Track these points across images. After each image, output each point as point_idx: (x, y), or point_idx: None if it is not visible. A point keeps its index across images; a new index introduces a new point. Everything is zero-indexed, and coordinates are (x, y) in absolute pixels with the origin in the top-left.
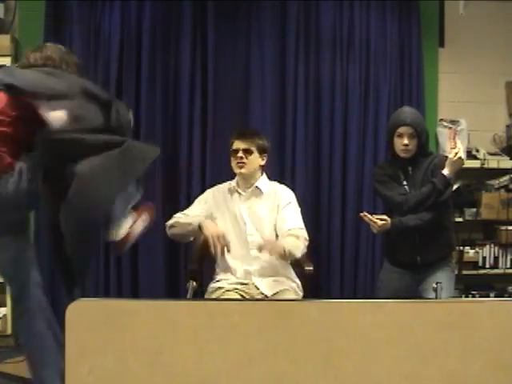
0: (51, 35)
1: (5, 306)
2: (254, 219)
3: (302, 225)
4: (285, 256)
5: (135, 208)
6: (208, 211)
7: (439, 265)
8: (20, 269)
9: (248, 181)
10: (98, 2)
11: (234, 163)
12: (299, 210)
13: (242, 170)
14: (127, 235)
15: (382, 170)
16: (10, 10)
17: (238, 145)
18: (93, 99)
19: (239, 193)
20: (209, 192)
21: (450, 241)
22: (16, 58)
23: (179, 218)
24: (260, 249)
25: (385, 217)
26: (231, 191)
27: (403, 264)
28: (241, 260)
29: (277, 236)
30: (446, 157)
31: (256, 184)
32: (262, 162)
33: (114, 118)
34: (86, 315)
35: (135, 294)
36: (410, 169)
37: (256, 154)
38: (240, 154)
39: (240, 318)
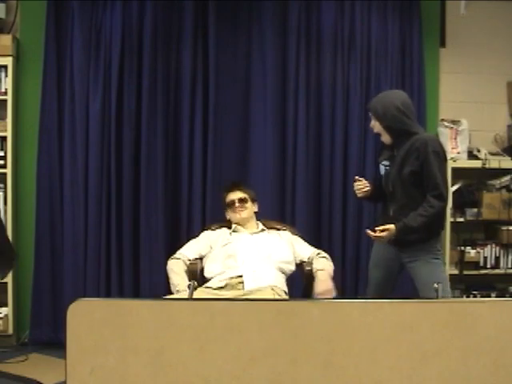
0: (52, 35)
1: (6, 306)
2: (255, 253)
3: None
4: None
5: None
6: (206, 249)
7: (420, 246)
8: None
9: (249, 224)
10: (100, 2)
11: (231, 214)
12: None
13: (243, 215)
14: None
15: (381, 144)
16: (12, 10)
17: (232, 196)
18: None
19: (243, 232)
20: (207, 232)
21: (431, 224)
22: (17, 58)
23: (176, 260)
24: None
25: (387, 226)
26: (235, 232)
27: None
28: (229, 288)
29: (281, 269)
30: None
31: (260, 226)
32: (256, 209)
33: None
34: (87, 315)
35: (136, 294)
36: (395, 150)
37: (250, 203)
38: (237, 203)
39: (241, 317)
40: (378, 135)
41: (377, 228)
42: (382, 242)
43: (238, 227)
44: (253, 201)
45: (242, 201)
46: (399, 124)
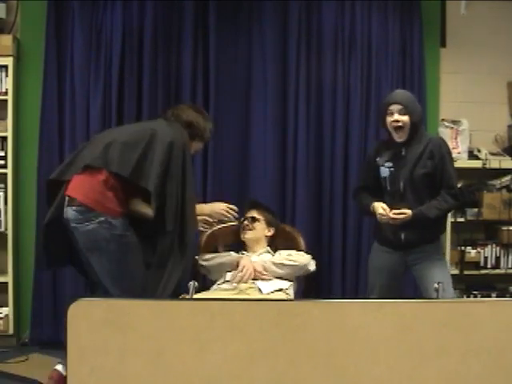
0: (53, 35)
1: (7, 306)
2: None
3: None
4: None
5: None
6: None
7: (425, 248)
8: None
9: (256, 247)
10: (100, 2)
11: (241, 231)
12: None
13: (247, 235)
14: None
15: (375, 145)
16: (12, 10)
17: (247, 214)
18: None
19: (248, 255)
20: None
21: (437, 224)
22: (18, 59)
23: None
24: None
25: (404, 210)
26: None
27: (388, 242)
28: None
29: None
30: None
31: (266, 249)
32: (268, 233)
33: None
34: (87, 315)
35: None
36: (403, 149)
37: (262, 225)
38: (246, 221)
39: (241, 317)
40: (384, 132)
41: (394, 211)
42: (395, 223)
43: (244, 251)
44: (268, 224)
45: (253, 220)
46: (420, 122)
